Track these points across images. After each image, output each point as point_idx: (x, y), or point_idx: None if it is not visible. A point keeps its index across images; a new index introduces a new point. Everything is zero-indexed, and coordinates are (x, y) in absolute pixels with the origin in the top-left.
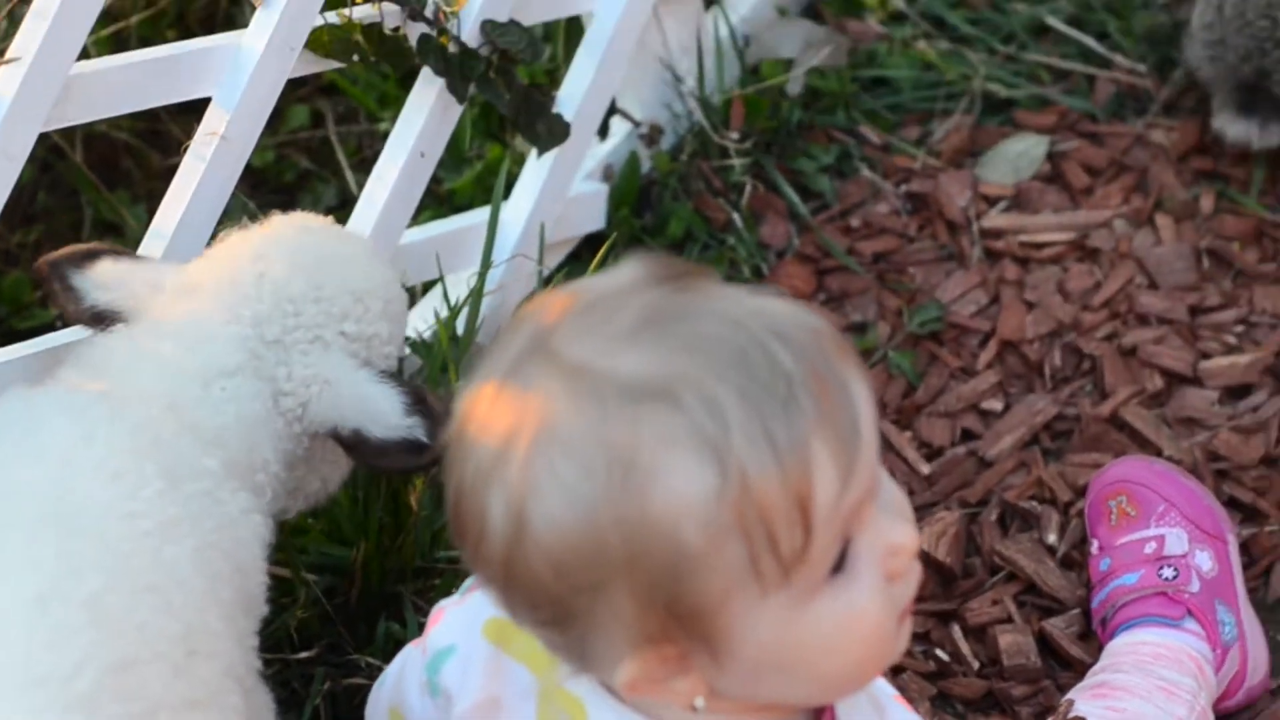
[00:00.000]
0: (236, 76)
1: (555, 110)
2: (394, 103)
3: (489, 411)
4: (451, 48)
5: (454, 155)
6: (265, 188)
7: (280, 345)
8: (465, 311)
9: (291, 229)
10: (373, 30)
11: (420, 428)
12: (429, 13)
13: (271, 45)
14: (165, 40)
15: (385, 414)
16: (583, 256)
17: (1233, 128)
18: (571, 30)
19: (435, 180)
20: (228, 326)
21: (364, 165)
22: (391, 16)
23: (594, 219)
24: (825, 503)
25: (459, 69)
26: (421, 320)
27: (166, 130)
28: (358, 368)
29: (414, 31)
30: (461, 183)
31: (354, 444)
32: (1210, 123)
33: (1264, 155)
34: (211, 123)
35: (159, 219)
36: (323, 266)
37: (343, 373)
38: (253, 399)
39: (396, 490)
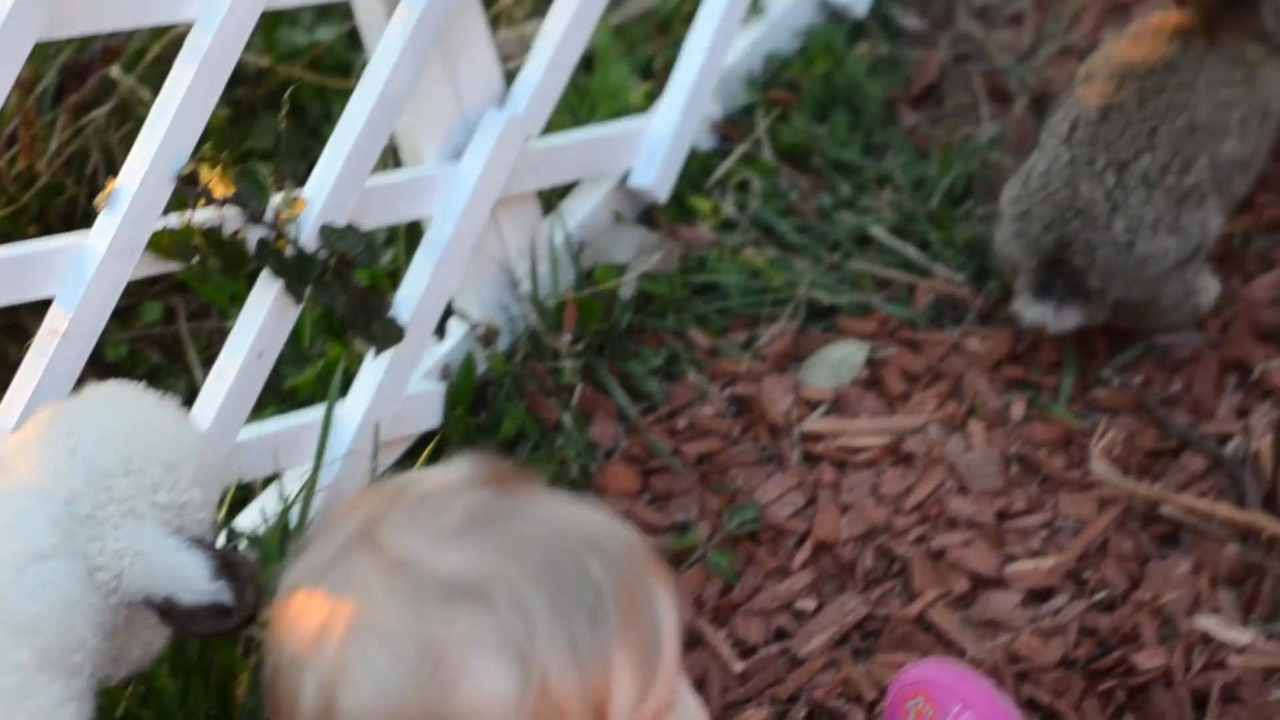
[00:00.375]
0: (79, 276)
1: (392, 311)
2: (244, 300)
3: (311, 595)
4: (289, 251)
5: (296, 352)
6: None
7: (93, 520)
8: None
9: (102, 400)
10: (213, 233)
11: (226, 591)
12: (269, 217)
13: (113, 247)
14: (26, 236)
15: (193, 580)
16: (418, 454)
17: (1030, 310)
18: (413, 231)
19: (279, 376)
20: (41, 505)
21: (213, 361)
22: (232, 220)
23: (430, 417)
24: (622, 712)
25: (296, 272)
26: (257, 515)
27: (24, 324)
28: (169, 536)
29: (254, 234)
30: (303, 379)
31: (166, 611)
32: (1015, 316)
33: (1073, 363)
34: (54, 321)
35: (0, 412)
36: (133, 438)
37: (154, 542)
38: (67, 580)
39: (223, 681)
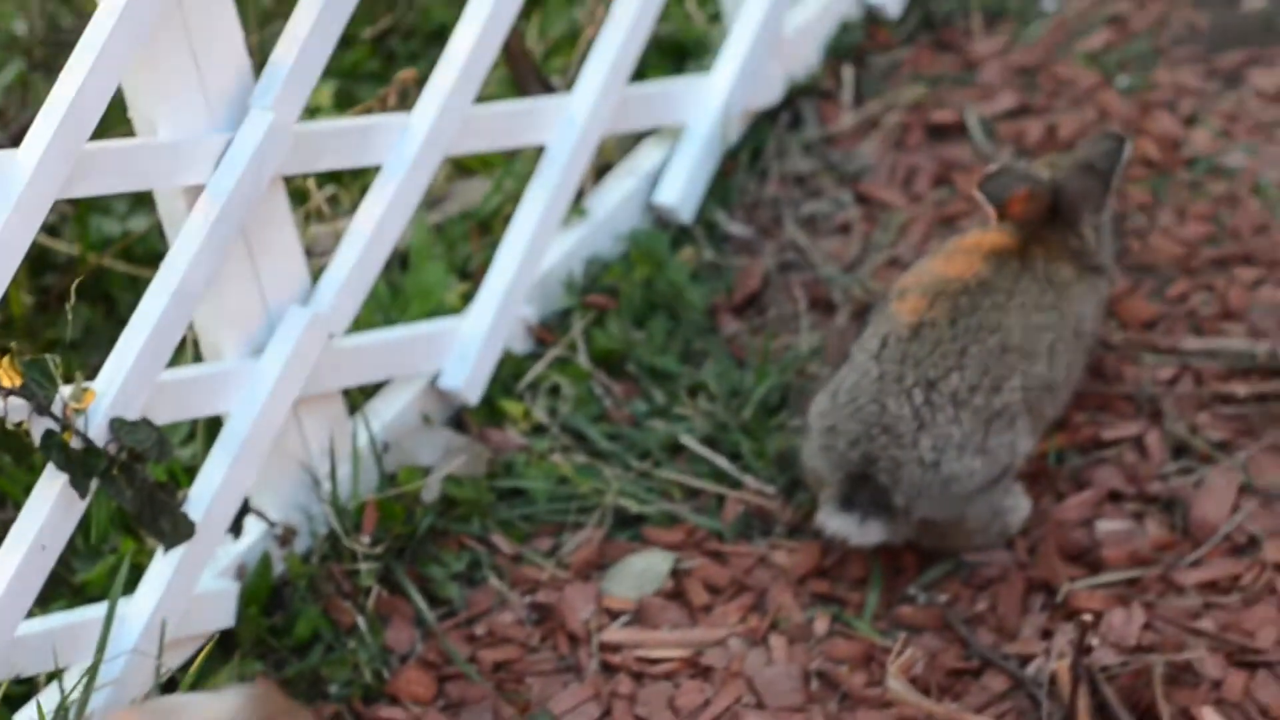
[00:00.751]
0: None
1: (185, 507)
2: None
3: None
4: (76, 444)
5: (88, 546)
6: None
7: None
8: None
9: None
10: None
11: None
12: (56, 409)
13: None
14: None
15: None
16: (208, 653)
17: (833, 521)
18: (215, 426)
19: (70, 570)
20: None
21: None
22: (18, 410)
23: (223, 617)
24: None
25: (82, 465)
26: (34, 711)
27: None
28: None
29: (41, 425)
30: (94, 574)
31: None
32: (819, 527)
33: (880, 579)
34: None
35: None
36: None
37: None
38: None
39: None
